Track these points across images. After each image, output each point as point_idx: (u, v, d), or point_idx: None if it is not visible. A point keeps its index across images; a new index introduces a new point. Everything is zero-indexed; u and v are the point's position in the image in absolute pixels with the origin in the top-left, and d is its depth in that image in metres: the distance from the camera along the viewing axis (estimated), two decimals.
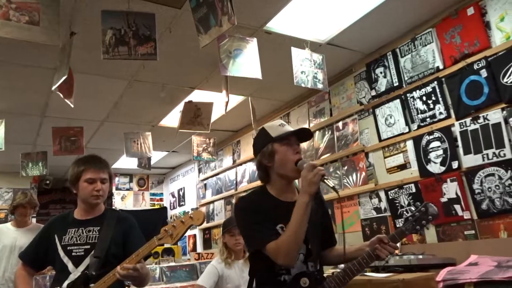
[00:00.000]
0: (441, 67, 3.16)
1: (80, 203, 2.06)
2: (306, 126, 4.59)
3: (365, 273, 2.77)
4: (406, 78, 3.44)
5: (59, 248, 1.95)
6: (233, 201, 5.97)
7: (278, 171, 1.73)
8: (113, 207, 7.49)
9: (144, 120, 5.05)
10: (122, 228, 2.02)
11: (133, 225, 2.08)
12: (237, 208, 1.78)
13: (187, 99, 4.29)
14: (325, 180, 1.56)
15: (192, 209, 6.87)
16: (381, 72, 3.67)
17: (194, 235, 6.92)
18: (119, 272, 1.74)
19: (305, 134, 1.80)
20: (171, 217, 7.85)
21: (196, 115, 4.25)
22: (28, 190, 4.66)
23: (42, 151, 4.90)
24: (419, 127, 3.30)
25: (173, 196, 8.01)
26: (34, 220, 4.12)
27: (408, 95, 3.39)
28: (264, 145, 1.74)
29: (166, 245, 5.32)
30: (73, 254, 1.93)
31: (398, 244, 1.69)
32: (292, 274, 1.65)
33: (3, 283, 3.41)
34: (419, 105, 3.30)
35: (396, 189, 3.44)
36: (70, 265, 1.91)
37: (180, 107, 4.40)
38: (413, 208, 3.23)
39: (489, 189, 2.77)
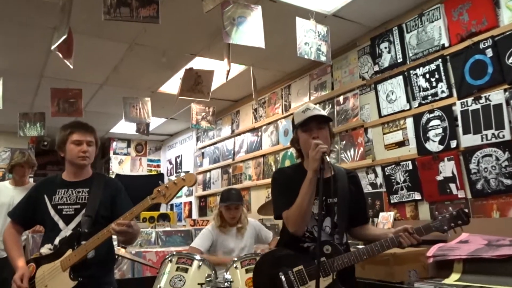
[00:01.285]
0: (446, 44, 3.12)
1: (68, 166, 2.12)
2: (306, 98, 4.57)
3: (357, 246, 2.82)
4: (410, 55, 3.40)
5: (49, 207, 2.01)
6: (230, 170, 6.01)
7: (304, 153, 1.93)
8: (110, 171, 7.53)
9: (143, 85, 5.01)
10: (110, 192, 2.09)
11: (120, 189, 2.15)
12: (272, 177, 2.03)
13: (187, 66, 4.23)
14: (324, 156, 1.71)
15: (184, 172, 6.94)
16: (385, 47, 3.61)
17: (190, 202, 7.00)
18: (114, 227, 1.80)
19: (324, 118, 1.91)
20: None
21: (196, 83, 4.20)
22: (26, 150, 4.65)
23: (40, 112, 4.87)
24: (420, 104, 3.28)
25: (170, 163, 8.04)
26: (31, 180, 4.14)
27: (411, 72, 3.36)
28: (293, 132, 2.00)
29: (162, 211, 5.39)
30: (63, 213, 1.99)
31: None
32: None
33: (1, 239, 3.45)
34: (422, 82, 3.27)
35: (393, 166, 3.46)
36: (61, 223, 1.98)
37: (180, 74, 4.35)
38: (409, 185, 3.28)
39: (485, 170, 2.79)
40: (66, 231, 1.97)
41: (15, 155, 3.77)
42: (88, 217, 1.95)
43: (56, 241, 1.95)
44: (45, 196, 2.05)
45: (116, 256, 2.63)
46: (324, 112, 1.96)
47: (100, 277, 1.99)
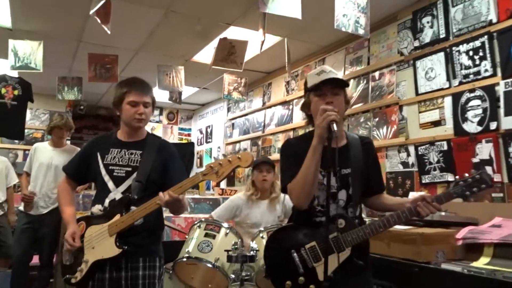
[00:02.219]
0: (494, 20, 2.95)
1: (123, 125, 2.04)
2: (341, 73, 4.47)
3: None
4: (454, 30, 3.24)
5: (101, 166, 1.96)
6: (259, 142, 6.03)
7: (314, 120, 1.72)
8: None
9: (177, 53, 5.03)
10: (163, 156, 2.00)
11: (174, 154, 2.06)
12: (280, 149, 1.90)
13: (222, 36, 4.21)
14: (332, 124, 1.54)
15: (223, 155, 6.98)
16: (428, 22, 3.46)
17: (226, 176, 7.09)
18: (162, 199, 1.74)
19: (340, 82, 1.73)
20: (197, 153, 8.04)
21: (230, 53, 4.18)
22: (64, 113, 4.82)
23: (77, 76, 5.00)
24: (460, 83, 3.15)
25: (201, 132, 8.14)
26: (68, 142, 4.29)
27: (453, 48, 3.21)
28: (305, 95, 1.81)
29: None
30: (114, 174, 1.94)
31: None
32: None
33: (40, 197, 3.64)
34: (464, 60, 3.13)
35: (427, 145, 3.37)
36: (110, 184, 1.93)
37: (214, 43, 4.34)
38: (443, 166, 3.20)
39: None
40: (116, 193, 1.91)
41: (54, 117, 3.91)
42: (138, 183, 1.88)
43: (106, 203, 1.91)
44: (98, 154, 1.99)
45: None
46: (339, 76, 1.77)
47: (147, 246, 1.93)
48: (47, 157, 3.72)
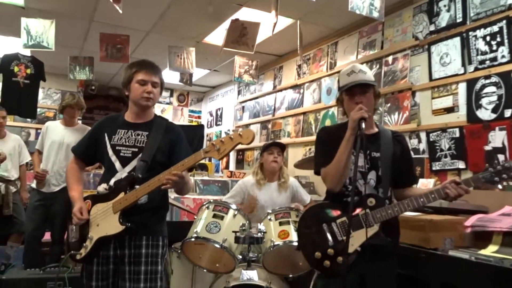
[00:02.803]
0: None
1: (131, 105, 2.07)
2: (353, 57, 4.41)
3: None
4: (471, 15, 3.16)
5: (108, 146, 1.99)
6: (269, 126, 6.02)
7: (348, 114, 1.91)
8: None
9: (188, 35, 5.00)
10: (170, 137, 2.03)
11: (180, 135, 2.08)
12: (316, 134, 2.06)
13: (234, 17, 4.16)
14: (361, 122, 1.72)
15: (233, 131, 6.99)
16: (445, 5, 3.38)
17: (228, 155, 7.12)
18: (164, 178, 1.77)
19: (366, 84, 1.87)
20: (207, 135, 8.06)
21: (241, 34, 4.14)
22: (76, 92, 4.85)
23: (89, 56, 5.00)
24: (476, 69, 3.09)
25: (211, 115, 8.15)
26: (80, 122, 4.33)
27: (470, 33, 3.14)
28: (338, 91, 2.00)
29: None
30: (121, 154, 1.97)
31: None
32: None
33: (52, 175, 3.68)
34: (481, 45, 3.06)
35: (438, 132, 3.33)
36: (117, 164, 1.96)
37: (226, 25, 4.30)
38: (454, 153, 3.17)
39: None
40: (122, 173, 1.94)
41: (66, 96, 3.93)
42: (143, 162, 1.91)
43: (112, 182, 1.94)
44: (105, 134, 2.02)
45: None
46: (370, 74, 1.91)
47: (150, 225, 1.96)
48: (59, 136, 3.76)
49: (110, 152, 1.99)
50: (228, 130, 7.34)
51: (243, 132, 1.71)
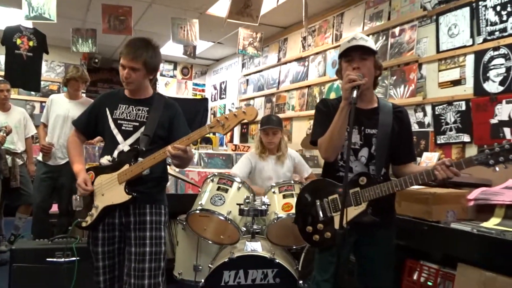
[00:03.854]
0: None
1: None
2: (359, 29, 4.33)
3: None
4: None
5: (110, 120, 2.05)
6: (273, 99, 5.99)
7: None
8: None
9: (192, 6, 4.91)
10: (169, 113, 2.08)
11: (179, 112, 2.13)
12: (315, 106, 2.03)
13: None
14: (354, 90, 1.67)
15: (236, 108, 6.97)
16: None
17: (232, 129, 7.13)
18: (170, 150, 1.83)
19: (367, 49, 1.82)
20: (211, 109, 8.04)
21: (246, 5, 4.07)
22: (79, 65, 4.81)
23: (91, 28, 4.94)
24: (484, 40, 3.03)
25: (215, 88, 8.10)
26: (84, 95, 4.32)
27: (480, 3, 3.06)
28: (338, 62, 1.94)
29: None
30: (122, 128, 2.03)
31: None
32: (353, 173, 1.84)
33: (58, 148, 3.71)
34: (491, 15, 2.98)
35: (444, 105, 3.30)
36: (119, 137, 2.02)
37: None
38: (459, 126, 3.15)
39: None
40: (124, 145, 2.01)
41: (69, 69, 3.90)
42: (146, 136, 1.98)
43: (115, 154, 2.01)
44: (107, 109, 2.08)
45: None
46: (372, 43, 1.86)
47: (153, 194, 2.05)
48: (64, 109, 3.76)
49: (112, 125, 2.04)
50: (232, 104, 7.31)
51: (246, 109, 1.77)
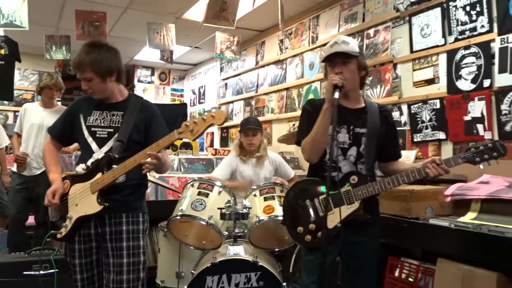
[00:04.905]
0: None
1: None
2: (335, 31, 4.38)
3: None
4: None
5: (84, 128, 2.00)
6: (252, 102, 5.99)
7: None
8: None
9: (167, 10, 4.88)
10: (145, 116, 2.02)
11: (155, 113, 2.07)
12: (302, 107, 2.05)
13: None
14: (335, 90, 1.73)
15: (214, 108, 6.96)
16: None
17: (212, 133, 7.11)
18: (143, 162, 1.77)
19: (346, 54, 1.86)
20: (191, 114, 7.99)
21: (221, 9, 4.06)
22: (54, 73, 4.71)
23: (65, 35, 4.85)
24: (456, 40, 3.11)
25: (194, 93, 8.06)
26: (59, 103, 4.23)
27: (450, 3, 3.13)
28: (324, 66, 1.98)
29: (184, 140, 5.50)
30: (96, 135, 1.98)
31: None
32: (343, 172, 1.87)
33: (33, 158, 3.62)
34: (461, 15, 3.06)
35: (419, 104, 3.37)
36: (93, 145, 1.97)
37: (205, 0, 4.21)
38: (435, 124, 3.21)
39: None
40: (99, 153, 1.95)
41: (43, 77, 3.82)
42: (119, 142, 1.92)
43: (89, 162, 1.95)
44: (80, 115, 2.02)
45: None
46: (354, 45, 1.89)
47: (129, 202, 1.98)
48: (38, 118, 3.68)
49: (86, 133, 1.99)
50: (212, 108, 7.29)
51: (215, 113, 1.72)
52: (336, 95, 1.71)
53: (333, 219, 1.79)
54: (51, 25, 5.34)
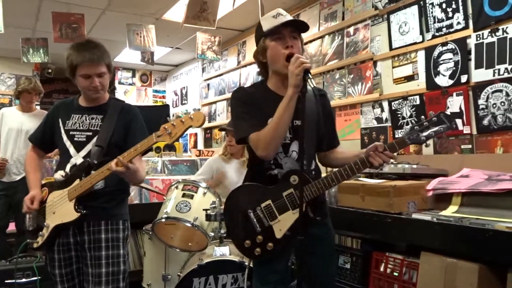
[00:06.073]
0: None
1: (82, 92, 2.01)
2: (315, 29, 4.40)
3: (359, 178, 2.89)
4: None
5: (62, 132, 1.96)
6: None
7: (271, 67, 1.70)
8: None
9: (147, 11, 4.83)
10: (125, 119, 1.98)
11: (135, 116, 2.03)
12: (231, 97, 1.77)
13: None
14: (308, 78, 1.49)
15: (193, 110, 6.92)
16: None
17: (196, 134, 7.07)
18: (111, 166, 1.73)
19: (301, 25, 1.67)
20: (173, 115, 7.94)
21: (202, 10, 4.05)
22: (32, 77, 4.63)
23: (42, 37, 4.76)
24: (433, 37, 3.16)
25: (176, 94, 8.00)
26: (38, 107, 4.15)
27: (427, 1, 3.19)
28: (258, 40, 1.71)
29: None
30: (75, 139, 1.93)
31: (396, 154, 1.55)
32: (284, 169, 1.67)
33: (12, 163, 3.56)
34: (438, 13, 3.12)
35: (400, 100, 3.42)
36: (72, 150, 1.93)
37: (185, 0, 4.18)
38: (415, 120, 3.27)
39: (494, 105, 2.75)
40: (77, 158, 1.90)
41: (21, 81, 3.75)
42: (98, 147, 1.87)
43: (67, 168, 1.91)
44: (59, 119, 1.98)
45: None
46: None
47: (108, 209, 1.93)
48: (17, 122, 3.61)
49: (65, 137, 1.95)
50: (194, 109, 7.25)
51: (193, 115, 1.66)
52: (313, 82, 1.49)
53: (281, 227, 1.62)
54: (27, 28, 5.22)
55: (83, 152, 1.92)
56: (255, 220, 1.65)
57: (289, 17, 1.64)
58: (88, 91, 1.93)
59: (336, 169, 1.62)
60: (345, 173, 1.57)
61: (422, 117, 1.55)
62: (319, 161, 1.87)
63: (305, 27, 1.68)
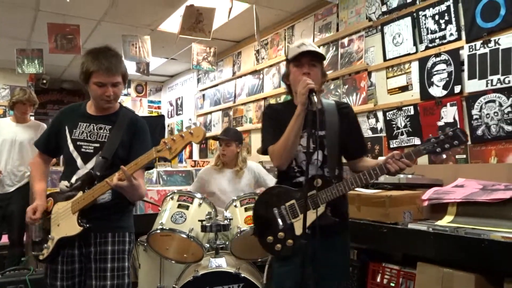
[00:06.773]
0: None
1: (92, 100, 1.95)
2: (310, 40, 4.43)
3: (355, 189, 2.88)
4: None
5: (69, 141, 1.90)
6: (231, 113, 6.00)
7: (293, 88, 1.91)
8: None
9: (142, 22, 4.85)
10: (132, 131, 1.93)
11: (142, 129, 1.98)
12: (262, 113, 2.05)
13: (188, 3, 4.08)
14: (312, 96, 1.69)
15: (193, 124, 6.91)
16: None
17: (191, 144, 7.06)
18: (108, 182, 1.70)
19: (317, 54, 1.86)
20: (168, 125, 7.93)
21: (197, 21, 4.08)
22: (26, 87, 4.62)
23: (37, 48, 4.76)
24: (426, 48, 3.20)
25: (171, 104, 8.01)
26: (32, 118, 4.13)
27: (420, 13, 3.23)
28: (287, 66, 1.95)
29: None
30: (82, 150, 1.88)
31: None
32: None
33: (5, 175, 3.52)
34: (430, 24, 3.16)
35: (394, 111, 3.44)
36: (79, 161, 1.88)
37: (181, 11, 4.21)
38: (409, 130, 3.29)
39: (487, 116, 2.78)
40: (84, 170, 1.86)
41: (15, 91, 3.73)
42: (103, 159, 1.82)
43: (73, 180, 1.86)
44: (66, 127, 1.92)
45: None
46: (319, 50, 1.90)
47: (115, 221, 1.90)
48: (11, 133, 3.59)
49: (71, 147, 1.89)
50: (190, 119, 7.25)
51: (193, 130, 1.67)
52: (315, 98, 1.69)
53: (301, 225, 1.72)
54: (22, 38, 5.22)
55: (90, 164, 1.87)
56: (279, 217, 1.81)
57: (311, 48, 1.84)
58: (100, 100, 1.88)
59: (357, 174, 1.76)
60: (364, 177, 1.72)
61: (440, 131, 1.68)
62: (351, 169, 2.02)
63: (321, 57, 1.89)
